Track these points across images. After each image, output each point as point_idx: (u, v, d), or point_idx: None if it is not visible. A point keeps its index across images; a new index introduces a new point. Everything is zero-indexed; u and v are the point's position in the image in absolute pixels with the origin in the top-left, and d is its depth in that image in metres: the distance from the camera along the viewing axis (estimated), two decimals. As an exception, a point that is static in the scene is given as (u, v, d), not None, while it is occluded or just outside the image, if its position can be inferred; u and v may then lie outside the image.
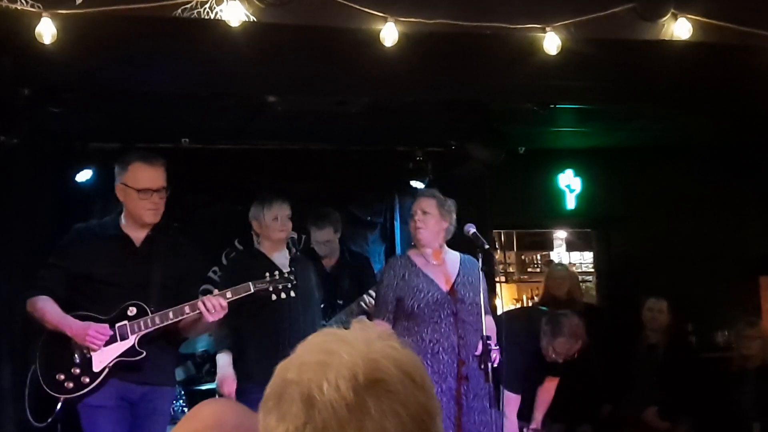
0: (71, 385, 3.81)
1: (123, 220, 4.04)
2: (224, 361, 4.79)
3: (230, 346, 4.79)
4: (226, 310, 3.86)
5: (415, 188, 6.59)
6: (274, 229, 4.85)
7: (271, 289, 4.08)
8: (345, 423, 1.11)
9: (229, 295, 3.93)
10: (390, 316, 4.39)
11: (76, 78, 4.69)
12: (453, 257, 4.50)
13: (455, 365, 4.25)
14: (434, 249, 4.46)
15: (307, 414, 1.13)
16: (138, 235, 4.02)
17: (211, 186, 6.55)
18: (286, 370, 1.18)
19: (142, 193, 3.93)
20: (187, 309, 3.84)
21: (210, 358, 6.18)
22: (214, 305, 3.81)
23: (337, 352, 1.17)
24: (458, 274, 4.38)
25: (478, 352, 4.28)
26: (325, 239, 5.73)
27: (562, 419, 6.28)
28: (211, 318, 3.83)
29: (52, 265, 3.99)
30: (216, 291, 4.07)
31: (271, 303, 4.44)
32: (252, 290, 4.00)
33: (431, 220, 4.41)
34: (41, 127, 5.57)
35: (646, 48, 4.25)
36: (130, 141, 5.75)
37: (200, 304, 3.81)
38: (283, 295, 4.14)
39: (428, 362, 4.22)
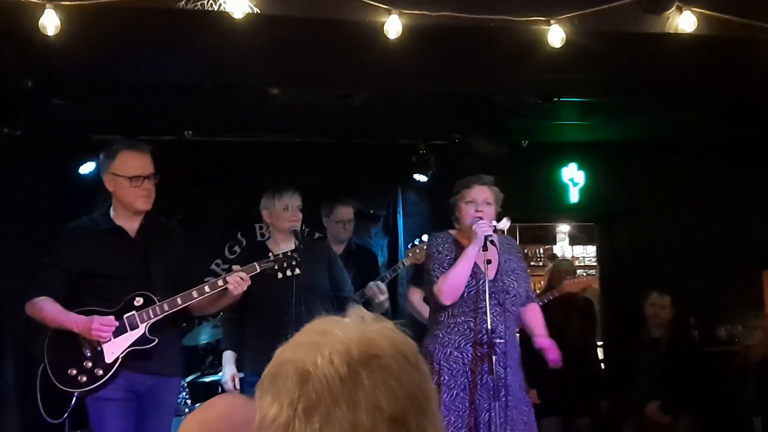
0: (84, 378, 3.81)
1: (113, 213, 4.02)
2: (227, 358, 4.87)
3: (234, 345, 4.86)
4: (249, 282, 3.94)
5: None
6: (284, 219, 4.82)
7: (276, 267, 4.10)
8: (338, 395, 1.11)
9: None
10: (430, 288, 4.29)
11: (79, 70, 4.69)
12: (491, 247, 4.35)
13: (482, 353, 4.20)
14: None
15: (300, 388, 1.13)
16: (132, 226, 4.01)
17: (214, 179, 6.55)
18: (282, 352, 1.19)
19: (134, 180, 3.92)
20: (195, 294, 3.86)
21: (213, 350, 6.19)
22: (236, 281, 3.90)
23: (331, 331, 1.18)
24: (500, 263, 4.30)
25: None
26: (349, 218, 5.71)
27: (561, 412, 6.30)
28: (236, 292, 3.91)
29: (47, 265, 3.98)
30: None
31: (275, 292, 4.45)
32: (258, 270, 4.01)
33: (490, 210, 4.32)
34: (44, 119, 5.57)
35: (650, 41, 4.24)
36: (134, 133, 5.74)
37: (226, 279, 3.89)
38: (288, 273, 4.15)
39: (479, 352, 4.17)
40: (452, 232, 4.45)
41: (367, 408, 1.11)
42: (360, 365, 1.13)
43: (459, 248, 4.32)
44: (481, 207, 4.30)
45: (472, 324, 4.21)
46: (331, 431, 1.11)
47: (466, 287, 4.23)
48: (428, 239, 4.56)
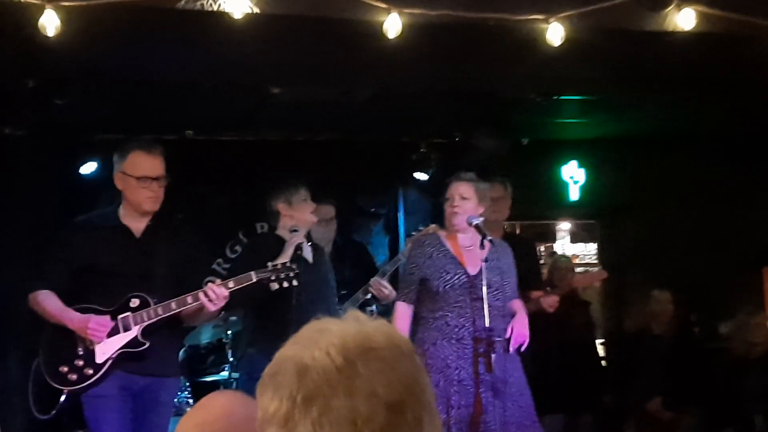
0: (75, 377, 3.81)
1: (122, 211, 4.02)
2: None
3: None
4: (228, 299, 3.88)
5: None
6: (305, 210, 4.75)
7: (273, 278, 4.07)
8: (335, 385, 1.14)
9: (231, 284, 3.92)
10: (413, 295, 4.31)
11: (80, 69, 4.70)
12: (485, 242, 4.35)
13: (480, 350, 4.16)
14: (467, 233, 4.39)
15: (299, 382, 1.16)
16: (138, 226, 4.01)
17: (216, 177, 6.56)
18: (281, 351, 1.23)
19: (142, 181, 3.92)
20: (189, 299, 3.84)
21: (214, 350, 6.21)
22: (217, 294, 3.83)
23: (328, 328, 1.21)
24: (487, 259, 4.27)
25: (507, 335, 4.29)
26: (330, 216, 5.69)
27: (563, 409, 6.30)
28: (212, 308, 3.84)
29: (52, 258, 3.98)
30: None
31: (279, 293, 4.44)
32: (254, 279, 3.98)
33: (468, 204, 4.33)
34: (46, 119, 5.58)
35: (649, 38, 4.24)
36: (135, 132, 5.74)
37: (201, 294, 3.83)
38: (285, 284, 4.12)
39: (454, 348, 4.19)
40: (441, 232, 4.49)
41: (364, 395, 1.14)
42: (356, 356, 1.16)
43: (442, 246, 4.35)
44: (457, 203, 4.32)
45: (449, 319, 4.21)
46: (329, 419, 1.13)
47: (443, 282, 4.24)
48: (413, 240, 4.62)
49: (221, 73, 4.87)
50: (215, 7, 3.63)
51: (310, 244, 4.70)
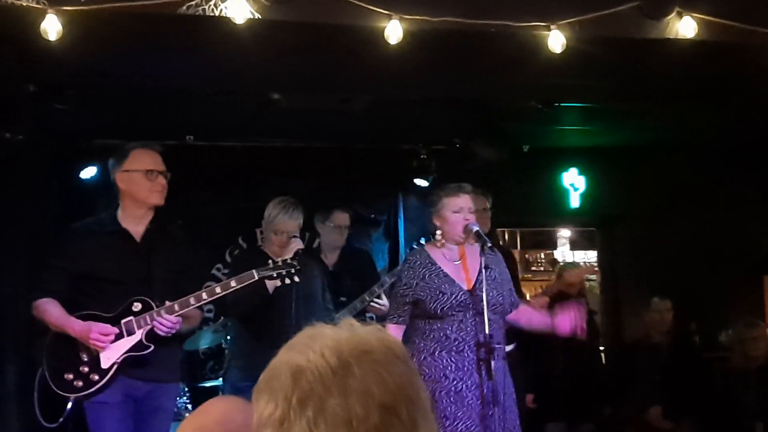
0: (81, 383, 3.79)
1: (121, 214, 4.02)
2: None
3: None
4: (179, 323, 3.84)
5: (422, 185, 6.59)
6: (271, 243, 4.83)
7: (275, 275, 4.07)
8: (330, 384, 1.15)
9: (233, 283, 3.92)
10: (406, 317, 4.25)
11: (80, 75, 4.70)
12: (474, 251, 4.31)
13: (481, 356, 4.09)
14: (467, 243, 4.34)
15: (294, 383, 1.17)
16: (137, 230, 4.00)
17: (215, 183, 6.56)
18: (276, 358, 1.24)
19: (150, 174, 3.94)
20: (192, 300, 3.84)
21: (213, 355, 6.20)
22: (164, 324, 3.81)
23: (322, 333, 1.23)
24: (479, 271, 4.20)
25: (509, 348, 4.29)
26: (346, 224, 5.67)
27: (565, 418, 6.29)
28: (162, 334, 3.81)
29: (52, 266, 3.97)
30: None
31: (271, 300, 4.42)
32: (256, 277, 3.98)
33: (473, 216, 4.30)
34: (46, 124, 5.58)
35: (650, 46, 4.25)
36: (135, 138, 5.72)
37: (204, 294, 3.85)
38: (287, 281, 4.12)
39: (453, 359, 4.17)
40: (426, 247, 4.42)
41: (359, 395, 1.15)
42: (351, 357, 1.18)
43: (431, 263, 4.28)
44: (469, 215, 4.30)
45: (448, 332, 4.18)
46: (324, 419, 1.14)
47: (440, 304, 4.19)
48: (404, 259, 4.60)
49: (223, 78, 4.88)
50: (217, 13, 3.63)
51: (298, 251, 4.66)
